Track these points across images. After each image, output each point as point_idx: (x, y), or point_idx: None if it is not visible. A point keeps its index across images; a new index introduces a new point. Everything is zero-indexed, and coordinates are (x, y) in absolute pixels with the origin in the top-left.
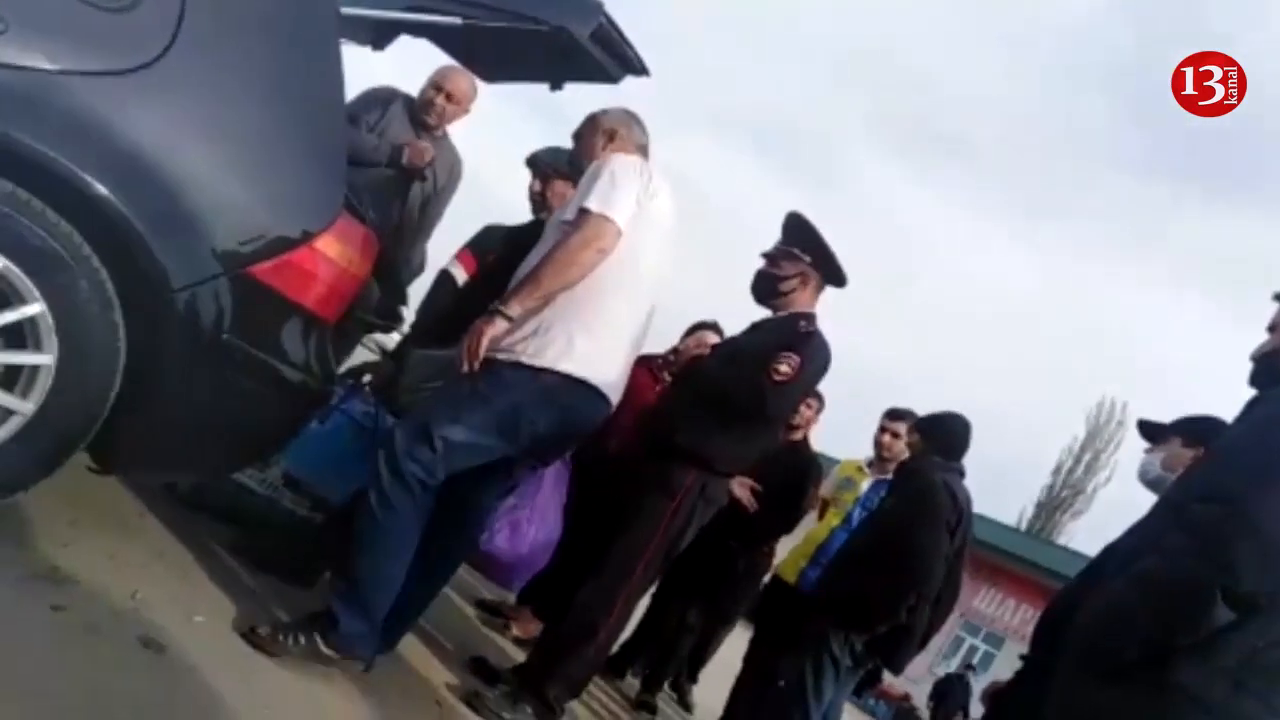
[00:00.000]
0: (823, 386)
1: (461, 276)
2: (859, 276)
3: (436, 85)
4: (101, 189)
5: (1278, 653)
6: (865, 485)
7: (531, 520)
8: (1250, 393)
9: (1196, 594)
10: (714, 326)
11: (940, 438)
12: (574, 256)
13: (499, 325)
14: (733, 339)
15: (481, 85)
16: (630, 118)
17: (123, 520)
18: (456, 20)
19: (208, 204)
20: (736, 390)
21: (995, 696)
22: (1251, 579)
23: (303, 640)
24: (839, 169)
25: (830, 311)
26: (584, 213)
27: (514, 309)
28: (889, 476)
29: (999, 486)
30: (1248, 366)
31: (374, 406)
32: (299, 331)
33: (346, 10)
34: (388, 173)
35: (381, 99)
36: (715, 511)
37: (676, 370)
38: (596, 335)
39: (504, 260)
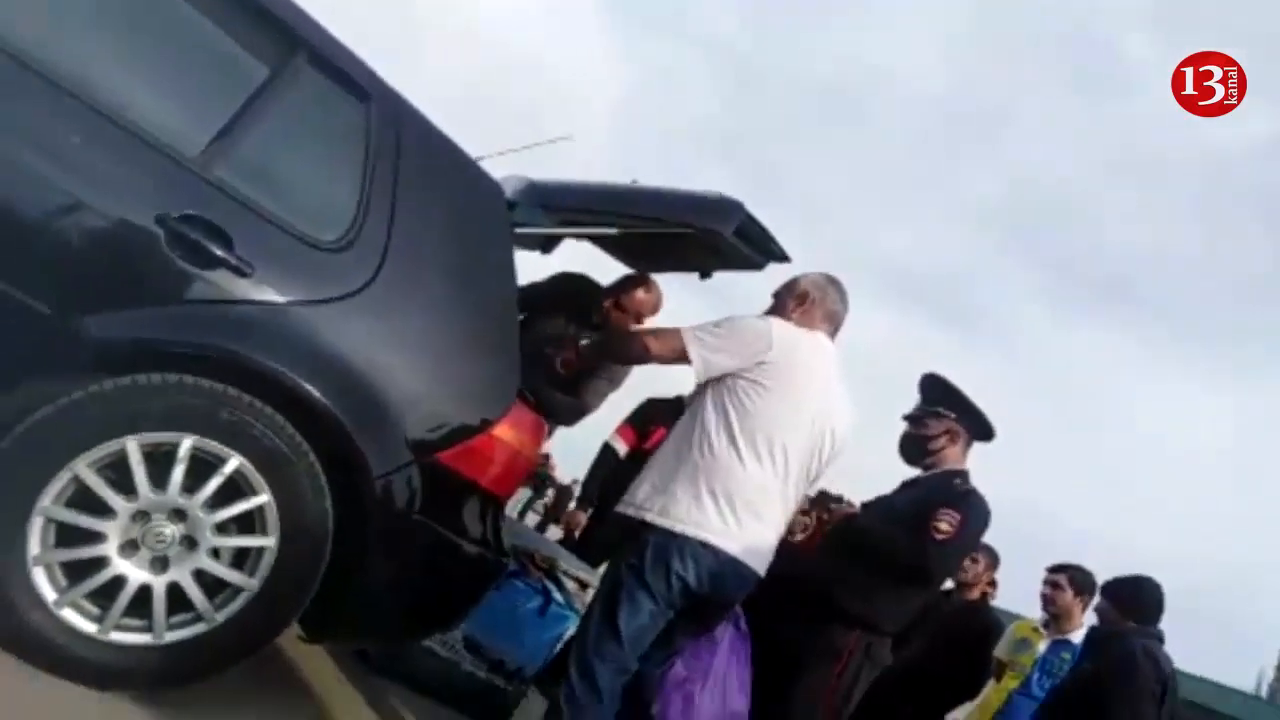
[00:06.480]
0: (1001, 547)
1: (622, 449)
2: (1040, 428)
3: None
4: (317, 394)
5: None
6: (1043, 646)
7: (707, 691)
8: None
9: None
10: (839, 499)
11: (1134, 602)
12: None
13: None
14: (885, 497)
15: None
16: (828, 283)
17: (327, 687)
18: (612, 230)
19: (402, 401)
20: (898, 549)
21: None
22: None
23: None
24: (997, 317)
25: (996, 467)
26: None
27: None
28: (1066, 637)
29: (1226, 647)
30: None
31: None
32: (478, 510)
33: (520, 230)
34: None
35: None
36: (880, 674)
37: (828, 530)
38: (720, 497)
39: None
